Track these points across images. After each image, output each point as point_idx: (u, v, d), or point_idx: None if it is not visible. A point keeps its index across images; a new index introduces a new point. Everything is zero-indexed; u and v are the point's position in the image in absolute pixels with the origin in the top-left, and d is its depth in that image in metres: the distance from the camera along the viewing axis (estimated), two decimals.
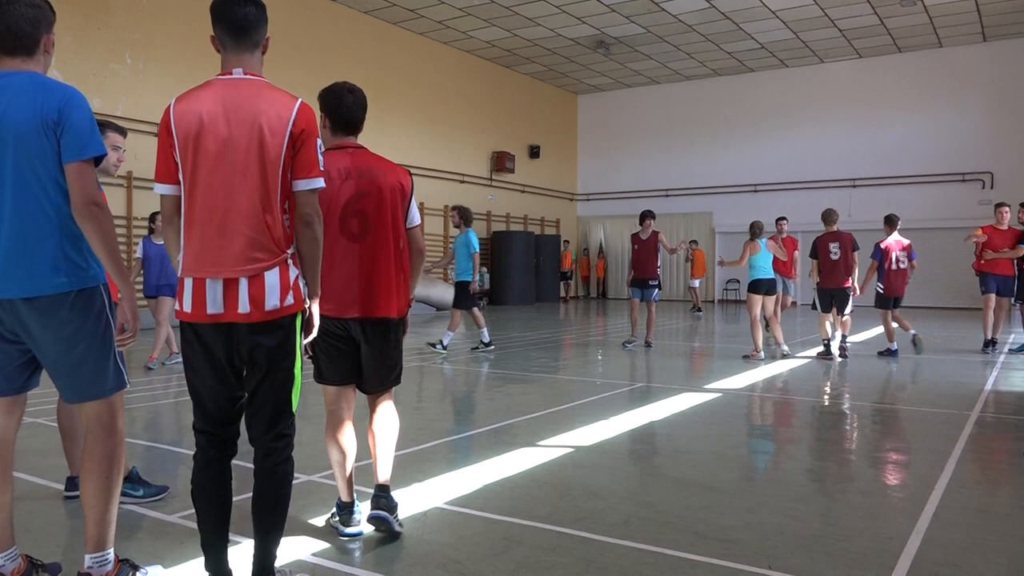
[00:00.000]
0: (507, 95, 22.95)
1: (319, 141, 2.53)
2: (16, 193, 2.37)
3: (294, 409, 2.60)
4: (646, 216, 11.03)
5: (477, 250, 10.13)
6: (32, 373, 2.60)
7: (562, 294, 24.18)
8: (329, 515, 3.48)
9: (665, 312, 19.17)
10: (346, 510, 3.36)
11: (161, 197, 2.50)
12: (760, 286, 9.89)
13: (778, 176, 22.67)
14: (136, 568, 2.70)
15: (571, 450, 4.98)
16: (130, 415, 5.91)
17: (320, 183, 2.52)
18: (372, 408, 3.39)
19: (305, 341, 2.66)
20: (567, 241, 24.69)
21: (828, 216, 10.01)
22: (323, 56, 16.29)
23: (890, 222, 10.23)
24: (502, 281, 21.26)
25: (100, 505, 2.52)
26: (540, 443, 5.15)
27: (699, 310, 18.79)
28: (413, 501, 3.80)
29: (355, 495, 3.41)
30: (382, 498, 3.31)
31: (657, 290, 10.99)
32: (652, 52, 21.18)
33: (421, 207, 19.44)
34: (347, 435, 3.32)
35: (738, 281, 23.13)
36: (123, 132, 3.77)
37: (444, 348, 10.14)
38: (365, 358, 3.26)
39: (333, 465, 3.37)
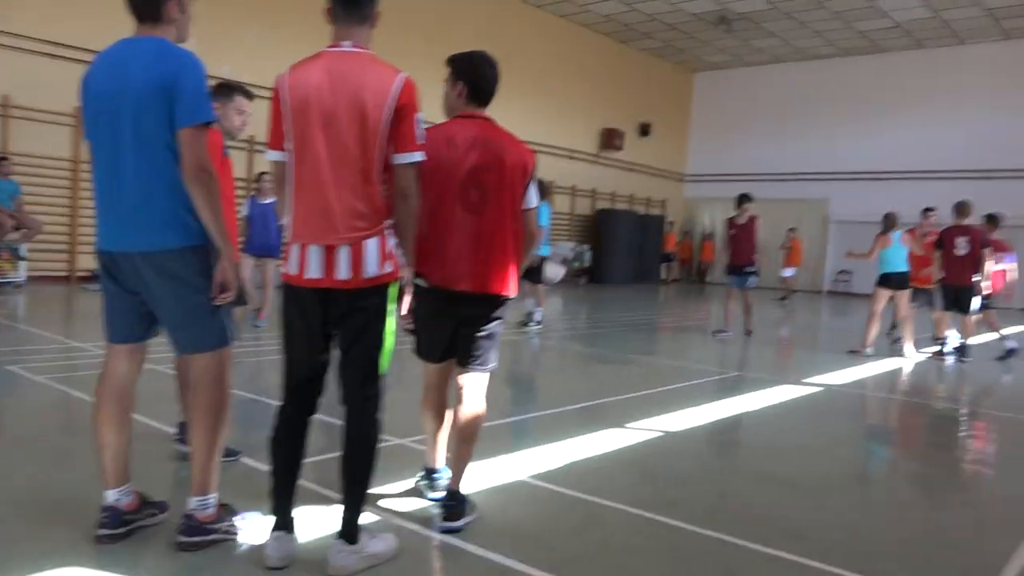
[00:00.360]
0: (620, 71, 22.59)
1: (419, 116, 2.58)
2: (137, 154, 2.53)
3: (383, 372, 2.69)
4: (744, 199, 10.46)
5: (545, 224, 9.83)
6: (151, 324, 2.78)
7: (663, 276, 23.82)
8: (417, 478, 3.55)
9: (758, 300, 18.59)
10: (433, 476, 3.44)
11: (272, 163, 2.62)
12: (890, 280, 9.42)
13: (901, 164, 21.44)
14: (235, 513, 2.88)
15: (660, 434, 4.95)
16: (236, 369, 6.25)
17: (418, 156, 2.57)
18: (462, 395, 3.22)
19: (403, 311, 2.75)
20: (671, 222, 24.25)
21: (962, 208, 9.40)
22: (440, 25, 16.49)
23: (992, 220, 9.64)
24: (604, 260, 21.12)
25: (204, 452, 2.69)
26: (629, 425, 5.13)
27: (785, 299, 18.39)
28: (500, 472, 3.87)
29: (445, 463, 3.47)
30: (453, 505, 3.13)
31: (755, 277, 10.50)
32: (777, 29, 20.36)
33: None
34: (441, 408, 3.37)
35: (850, 272, 22.13)
36: (250, 96, 3.83)
37: (539, 323, 10.18)
38: (466, 334, 3.16)
39: (426, 432, 3.45)
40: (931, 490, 4.30)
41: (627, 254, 21.52)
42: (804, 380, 7.38)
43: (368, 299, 2.57)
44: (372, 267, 2.52)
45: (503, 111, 15.54)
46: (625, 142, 22.67)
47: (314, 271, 2.52)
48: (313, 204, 2.52)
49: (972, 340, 9.56)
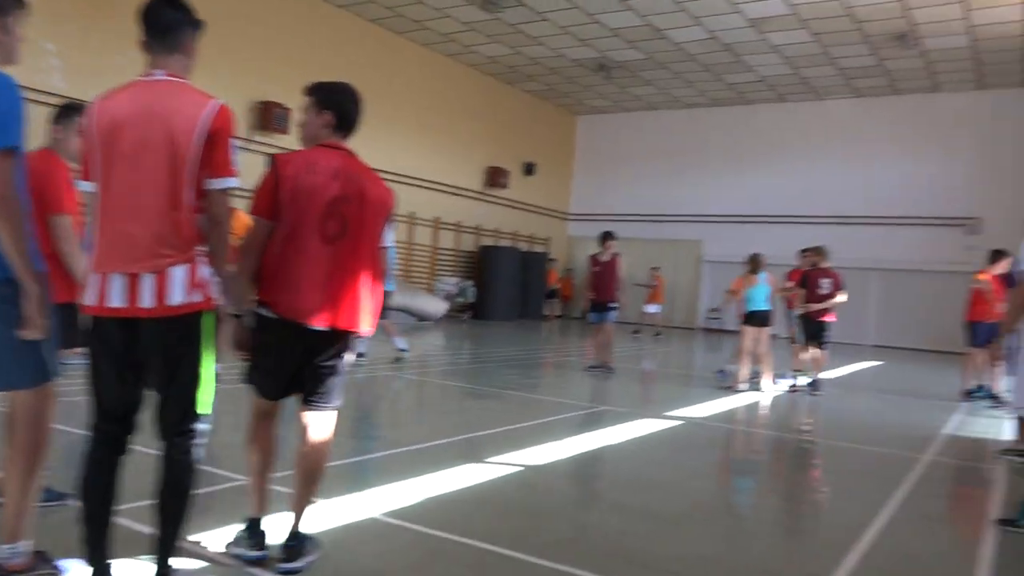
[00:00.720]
0: (506, 111, 23.09)
1: (234, 142, 2.56)
2: None
3: (203, 410, 2.61)
4: (607, 236, 10.66)
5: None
6: None
7: (546, 312, 24.25)
8: (239, 533, 3.19)
9: (626, 336, 19.22)
10: (256, 530, 3.15)
11: (85, 194, 2.56)
12: (754, 318, 9.97)
13: (769, 209, 22.80)
14: (51, 561, 2.72)
15: (520, 469, 5.02)
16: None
17: (232, 182, 2.54)
18: (306, 433, 3.11)
19: (235, 344, 2.70)
20: (553, 259, 24.77)
21: (821, 252, 10.21)
22: (325, 60, 16.39)
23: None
24: (487, 296, 21.30)
25: (17, 496, 2.55)
26: (490, 460, 5.18)
27: (637, 332, 19.47)
28: (352, 510, 3.83)
29: (265, 510, 3.21)
30: (294, 546, 3.06)
31: (614, 312, 10.60)
32: (652, 78, 21.36)
33: (412, 217, 19.52)
34: (270, 447, 3.18)
35: (719, 310, 23.25)
36: None
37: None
38: (318, 371, 3.07)
39: (250, 473, 3.19)
40: (765, 518, 4.54)
41: (511, 290, 21.79)
42: (666, 414, 7.66)
43: (175, 329, 2.48)
44: (178, 295, 2.45)
45: (386, 147, 15.73)
46: (510, 180, 23.09)
47: (116, 300, 2.43)
48: (117, 232, 2.46)
49: (823, 374, 10.22)
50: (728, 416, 7.96)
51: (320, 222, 2.97)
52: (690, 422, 7.35)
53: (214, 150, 2.48)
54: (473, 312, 21.18)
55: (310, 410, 3.12)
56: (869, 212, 21.46)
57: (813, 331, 10.05)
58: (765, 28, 16.92)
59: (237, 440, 2.95)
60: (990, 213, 19.76)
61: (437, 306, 18.74)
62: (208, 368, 2.58)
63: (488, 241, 22.57)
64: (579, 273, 25.80)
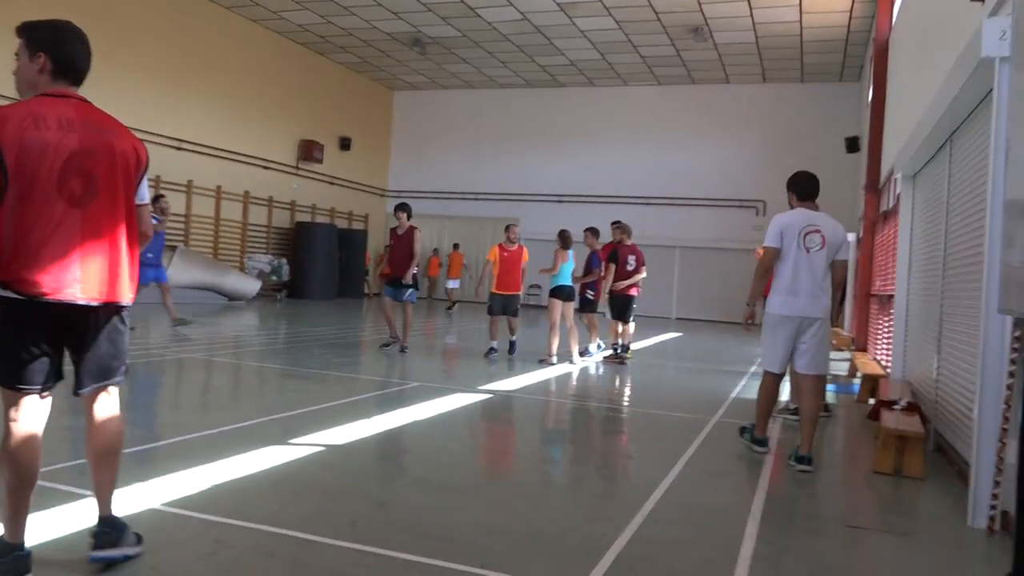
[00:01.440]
0: (319, 83, 22.28)
1: None
2: None
3: None
4: (399, 208, 10.21)
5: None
6: None
7: (366, 291, 23.85)
8: None
9: (425, 313, 19.41)
10: (12, 555, 2.67)
11: None
12: (562, 292, 10.25)
13: (581, 188, 23.69)
14: None
15: (321, 449, 4.86)
16: None
17: None
18: (91, 414, 2.86)
19: None
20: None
21: (627, 229, 10.69)
22: (113, 24, 14.96)
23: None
24: (303, 274, 20.59)
25: None
26: (292, 441, 4.98)
27: (450, 308, 20.18)
28: (128, 503, 3.52)
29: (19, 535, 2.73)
30: (108, 532, 2.83)
31: (412, 290, 10.24)
32: (467, 56, 21.41)
33: (218, 190, 18.41)
34: (36, 453, 2.71)
35: (539, 286, 23.93)
36: None
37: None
38: (85, 349, 2.78)
39: (3, 492, 2.69)
40: (562, 484, 4.70)
41: (328, 269, 21.19)
42: (479, 387, 7.75)
43: None
44: None
45: (188, 118, 14.80)
46: (325, 155, 22.36)
47: None
48: None
49: (632, 345, 10.78)
50: (538, 388, 8.17)
51: (59, 182, 2.62)
52: (499, 395, 7.47)
53: None
54: (288, 291, 20.39)
55: (89, 390, 2.84)
56: (670, 193, 22.85)
57: (620, 305, 10.56)
58: (573, 13, 17.43)
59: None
60: (772, 196, 21.69)
61: (249, 285, 17.85)
62: None
63: (304, 218, 21.78)
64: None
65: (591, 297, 10.89)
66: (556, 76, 22.93)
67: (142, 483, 3.86)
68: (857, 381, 9.64)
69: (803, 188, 5.45)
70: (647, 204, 22.89)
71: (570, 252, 10.34)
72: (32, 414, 2.70)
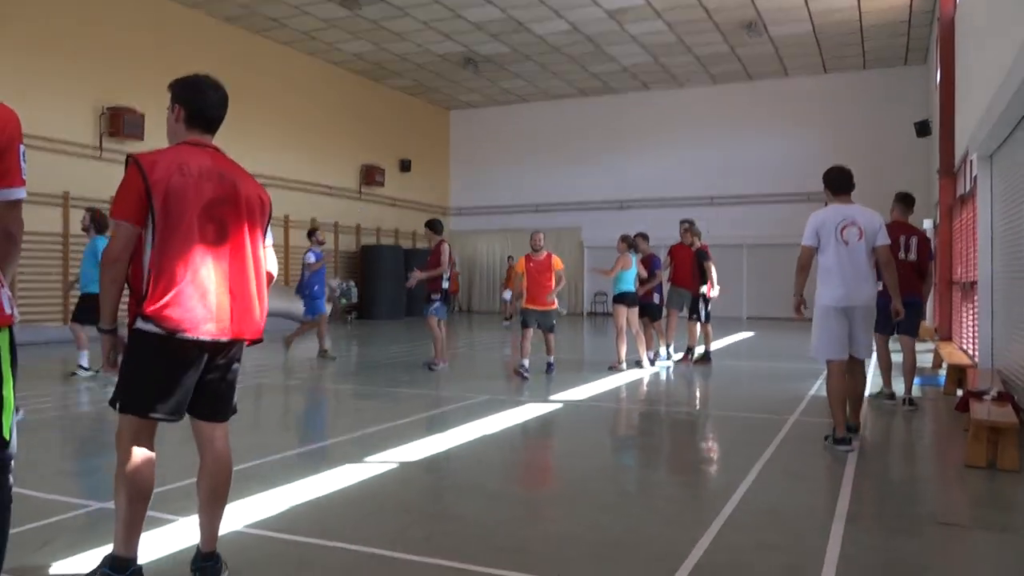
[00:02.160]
0: (377, 109, 22.72)
1: (22, 147, 2.31)
2: None
3: (5, 432, 2.35)
4: (426, 226, 10.17)
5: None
6: None
7: None
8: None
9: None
10: (129, 570, 2.82)
11: None
12: (625, 298, 10.16)
13: (643, 193, 23.48)
14: None
15: (395, 466, 4.91)
16: None
17: (19, 193, 2.30)
18: (208, 447, 2.97)
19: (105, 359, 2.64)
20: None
21: (695, 230, 10.60)
22: (179, 62, 15.56)
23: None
24: (371, 295, 20.94)
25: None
26: (367, 459, 5.05)
27: (507, 320, 19.77)
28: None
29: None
30: (212, 565, 2.95)
31: (436, 304, 9.88)
32: (520, 71, 21.52)
33: (286, 219, 18.92)
34: (153, 472, 2.86)
35: (606, 294, 23.77)
36: None
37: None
38: (212, 382, 2.92)
39: (123, 510, 2.80)
40: (635, 491, 4.63)
41: (395, 289, 21.50)
42: (551, 398, 7.72)
43: None
44: None
45: (256, 151, 15.25)
46: (386, 178, 22.76)
47: None
48: None
49: (708, 347, 10.61)
50: (609, 396, 8.09)
51: (198, 227, 2.80)
52: (570, 404, 7.43)
53: (1, 158, 2.23)
54: (358, 312, 20.77)
55: (212, 423, 2.99)
56: (734, 191, 22.43)
57: (695, 305, 10.45)
58: (623, 19, 17.35)
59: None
60: None
61: (322, 307, 18.21)
62: (8, 387, 2.30)
63: (369, 240, 22.18)
64: (464, 267, 25.76)
65: (656, 302, 10.77)
66: (610, 83, 22.84)
67: (227, 505, 3.95)
68: (943, 372, 9.24)
69: (836, 183, 5.68)
70: (711, 204, 22.51)
71: (633, 257, 10.24)
72: (151, 437, 2.87)
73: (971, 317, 9.81)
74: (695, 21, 17.46)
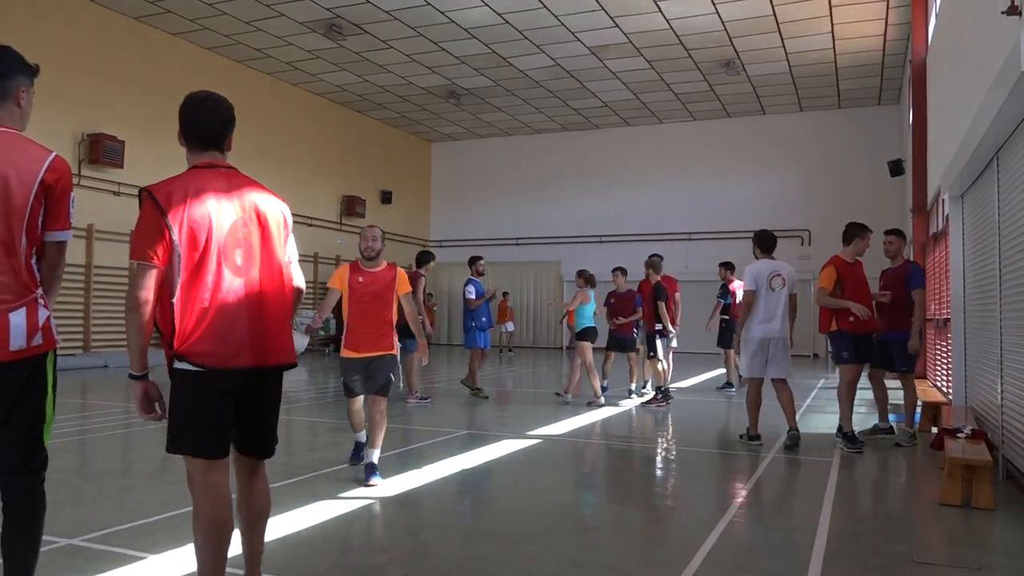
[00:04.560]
0: (359, 139, 22.84)
1: (72, 195, 2.66)
2: None
3: (46, 443, 2.66)
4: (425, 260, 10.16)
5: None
6: None
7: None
8: None
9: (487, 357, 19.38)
10: None
11: None
12: (588, 334, 10.20)
13: (623, 227, 23.67)
14: None
15: (371, 502, 4.85)
16: None
17: (63, 236, 2.64)
18: (248, 477, 2.91)
19: (137, 405, 2.72)
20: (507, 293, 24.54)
21: (655, 264, 10.55)
22: (160, 90, 15.58)
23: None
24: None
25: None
26: (342, 495, 4.99)
27: (504, 351, 20.62)
28: (172, 566, 3.55)
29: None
30: None
31: (413, 342, 9.04)
32: (502, 104, 21.75)
33: None
34: (226, 514, 2.75)
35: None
36: None
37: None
38: (252, 415, 2.83)
39: (202, 555, 2.73)
40: (613, 529, 4.60)
41: None
42: (528, 433, 7.69)
43: (17, 373, 2.54)
44: (19, 340, 2.51)
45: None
46: (367, 209, 22.79)
47: None
48: None
49: (675, 384, 10.61)
50: (586, 431, 8.08)
51: (223, 254, 2.70)
52: (548, 440, 7.40)
53: (52, 204, 2.59)
54: (336, 345, 20.62)
55: (252, 457, 2.92)
56: (712, 228, 22.65)
57: (651, 341, 10.29)
58: (605, 55, 17.63)
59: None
60: (816, 224, 21.39)
61: (298, 341, 18.10)
62: (51, 406, 2.65)
63: None
64: (441, 299, 25.69)
65: (633, 336, 10.85)
66: (591, 118, 23.13)
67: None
68: (917, 410, 9.33)
69: (765, 244, 7.34)
70: (690, 240, 22.75)
71: (591, 292, 10.31)
72: (223, 475, 2.77)
73: (946, 354, 9.93)
74: (675, 59, 17.78)
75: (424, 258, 10.29)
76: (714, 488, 5.44)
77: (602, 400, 9.99)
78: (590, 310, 10.25)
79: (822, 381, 13.75)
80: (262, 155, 18.89)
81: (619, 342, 10.94)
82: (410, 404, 9.81)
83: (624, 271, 10.99)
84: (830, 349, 9.28)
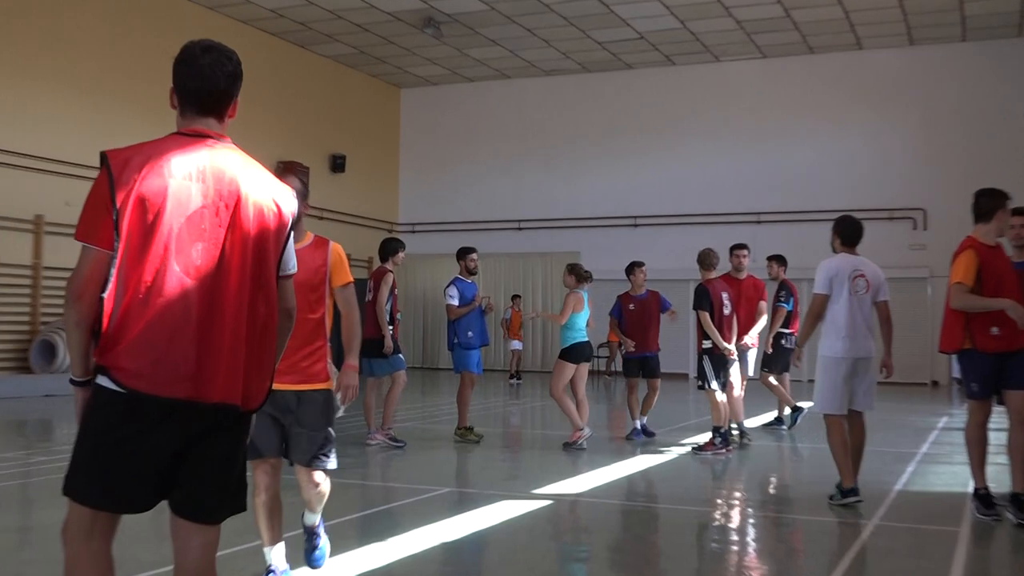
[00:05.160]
0: (300, 84, 22.83)
1: None
2: None
3: None
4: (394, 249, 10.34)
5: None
6: None
7: None
8: None
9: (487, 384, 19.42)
10: None
11: None
12: (575, 353, 10.25)
13: (662, 207, 23.58)
14: None
15: None
16: None
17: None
18: (181, 556, 2.89)
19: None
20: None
21: (708, 258, 10.52)
22: (47, 26, 15.62)
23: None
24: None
25: None
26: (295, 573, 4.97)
27: (513, 378, 20.95)
28: None
29: None
30: None
31: (385, 363, 10.03)
32: (499, 36, 21.77)
33: None
34: None
35: (609, 343, 23.79)
36: None
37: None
38: (195, 467, 2.82)
39: None
40: None
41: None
42: (534, 491, 7.67)
43: None
44: None
45: (121, 132, 15.12)
46: (311, 180, 22.76)
47: None
48: None
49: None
50: (615, 489, 8.08)
51: (177, 248, 2.73)
52: (562, 500, 7.41)
53: None
54: None
55: (191, 522, 2.87)
56: (788, 206, 22.56)
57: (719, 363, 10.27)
58: None
59: None
60: (934, 201, 21.33)
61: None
62: None
63: None
64: (410, 305, 25.60)
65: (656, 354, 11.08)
66: (621, 55, 23.15)
67: None
68: None
69: (848, 234, 7.35)
70: (757, 223, 22.67)
71: (584, 294, 10.35)
72: (107, 534, 2.79)
73: None
74: None
75: (390, 247, 10.32)
76: (804, 567, 5.42)
77: (586, 433, 10.03)
78: (583, 319, 10.29)
79: (944, 419, 13.74)
80: (161, 105, 18.82)
81: (642, 363, 11.01)
82: (373, 444, 9.85)
83: (642, 268, 11.09)
84: (957, 376, 9.25)
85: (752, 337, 11.04)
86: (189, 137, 2.89)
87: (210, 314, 2.76)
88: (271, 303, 2.91)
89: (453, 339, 10.73)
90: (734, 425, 10.53)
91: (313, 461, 4.64)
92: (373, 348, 9.80)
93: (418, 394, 17.75)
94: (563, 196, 24.76)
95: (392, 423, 10.22)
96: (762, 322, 11.29)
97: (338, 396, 4.83)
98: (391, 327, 10.03)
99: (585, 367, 10.49)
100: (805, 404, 10.95)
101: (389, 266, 10.17)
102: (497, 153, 25.51)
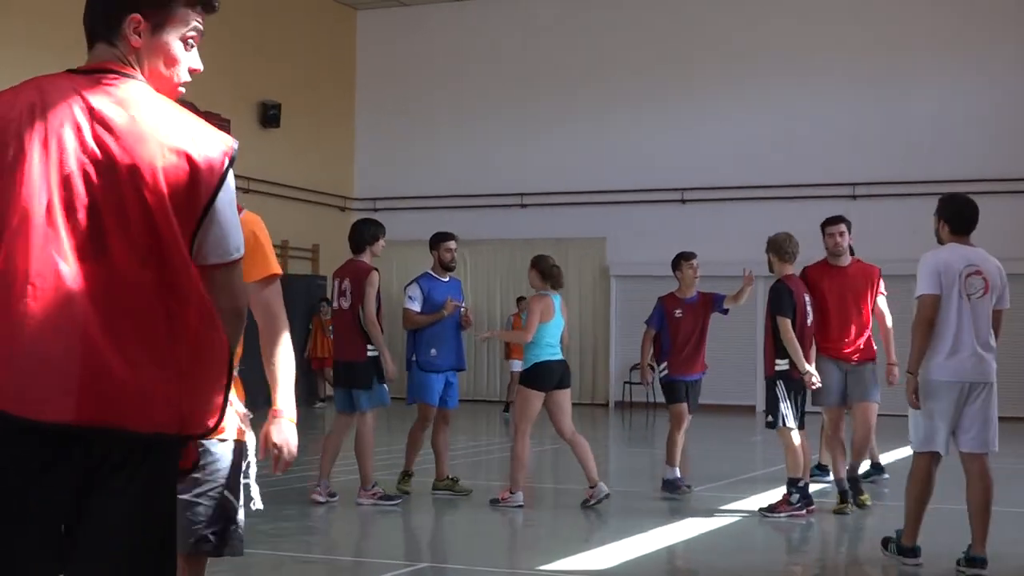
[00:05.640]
0: (221, 9, 22.84)
1: None
2: None
3: None
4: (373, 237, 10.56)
5: None
6: None
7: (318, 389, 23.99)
8: None
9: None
10: None
11: None
12: (542, 375, 10.27)
13: (724, 177, 23.56)
14: None
15: None
16: None
17: None
18: None
19: None
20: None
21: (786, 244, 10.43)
22: None
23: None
24: None
25: None
26: None
27: (508, 409, 20.81)
28: None
29: None
30: None
31: (373, 391, 10.23)
32: None
33: None
34: None
35: (650, 366, 23.76)
36: None
37: None
38: (86, 520, 2.73)
39: None
40: None
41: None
42: (539, 567, 7.73)
43: None
44: None
45: None
46: (237, 137, 22.80)
47: None
48: None
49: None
50: (654, 564, 8.15)
51: (50, 217, 2.71)
52: None
53: None
54: None
55: None
56: (890, 175, 22.57)
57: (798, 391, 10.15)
58: None
59: None
60: None
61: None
62: None
63: None
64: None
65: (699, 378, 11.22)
66: None
67: None
68: None
69: (959, 220, 7.32)
70: (853, 197, 22.62)
71: (556, 299, 10.45)
72: None
73: None
74: None
75: (368, 232, 10.48)
76: None
77: (517, 499, 10.09)
78: (554, 332, 10.33)
79: None
80: (31, 34, 18.95)
81: (690, 388, 11.13)
82: (363, 504, 10.06)
83: (693, 262, 11.18)
84: None
85: (891, 353, 10.70)
86: (81, 75, 2.87)
87: (104, 311, 2.73)
88: (195, 298, 2.80)
89: (411, 356, 10.80)
90: (866, 463, 10.56)
91: (210, 543, 4.31)
92: (358, 375, 10.01)
93: (383, 431, 17.79)
94: (584, 161, 24.73)
95: (372, 479, 10.27)
96: (888, 325, 10.88)
97: (253, 456, 4.53)
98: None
99: (562, 396, 10.38)
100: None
101: (367, 258, 10.28)
102: (488, 102, 25.59)
